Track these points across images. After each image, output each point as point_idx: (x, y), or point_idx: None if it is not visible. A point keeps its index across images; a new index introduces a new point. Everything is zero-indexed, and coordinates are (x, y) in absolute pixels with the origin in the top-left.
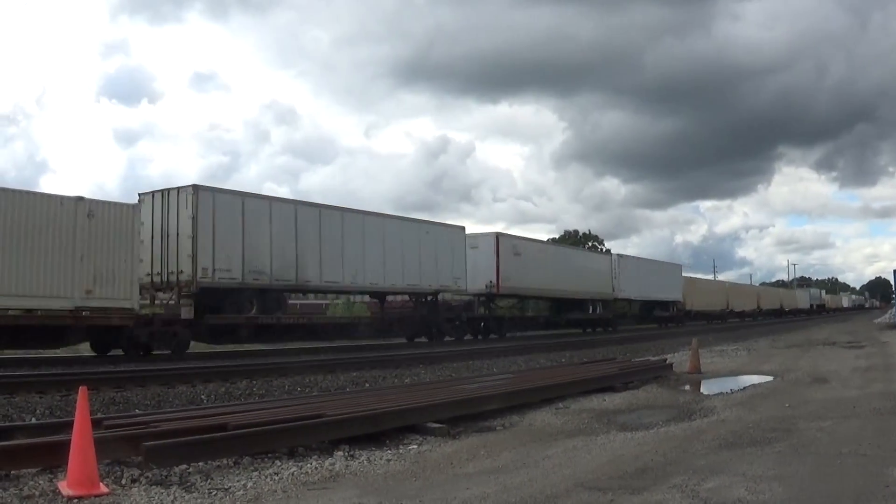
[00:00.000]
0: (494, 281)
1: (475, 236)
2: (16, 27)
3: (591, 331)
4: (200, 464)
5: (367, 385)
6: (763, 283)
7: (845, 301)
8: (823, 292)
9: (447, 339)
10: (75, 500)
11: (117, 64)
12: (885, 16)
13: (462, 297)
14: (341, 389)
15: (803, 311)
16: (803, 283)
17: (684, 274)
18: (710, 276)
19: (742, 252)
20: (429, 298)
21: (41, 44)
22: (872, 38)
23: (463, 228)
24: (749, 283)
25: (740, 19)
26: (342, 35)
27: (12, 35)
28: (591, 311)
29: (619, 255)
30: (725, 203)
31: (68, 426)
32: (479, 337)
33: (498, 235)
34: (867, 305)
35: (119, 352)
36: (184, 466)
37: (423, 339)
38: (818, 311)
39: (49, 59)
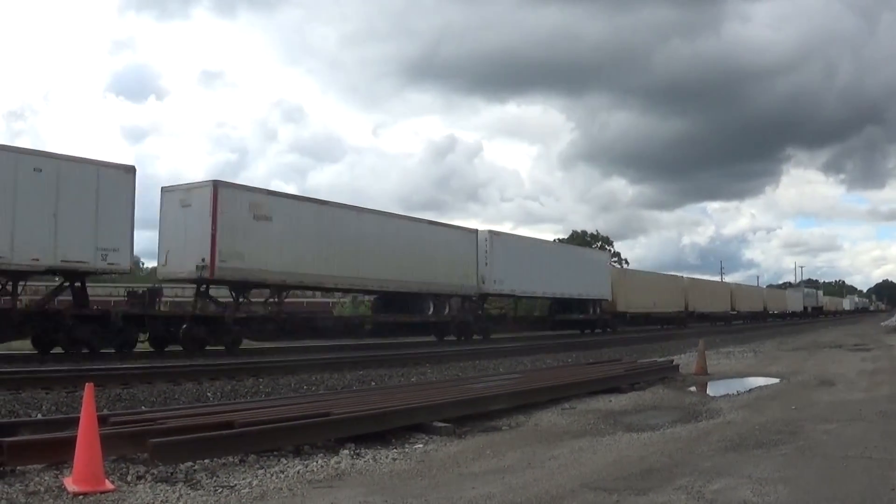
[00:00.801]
0: (208, 259)
1: (186, 189)
2: (23, 23)
3: (438, 340)
4: (206, 461)
5: (374, 383)
6: (770, 286)
7: (847, 303)
8: (821, 293)
9: None
10: (81, 497)
11: (125, 60)
12: (894, 17)
13: None
14: (348, 388)
15: (794, 314)
16: (810, 285)
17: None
18: (717, 278)
19: (749, 254)
20: None
21: (49, 40)
22: (881, 40)
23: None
24: (756, 284)
25: (749, 20)
26: (349, 33)
27: (20, 31)
28: (433, 311)
29: (492, 233)
30: (733, 204)
31: (74, 422)
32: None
33: (216, 185)
34: (872, 308)
35: None
36: (190, 464)
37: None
38: (814, 315)
39: (57, 55)
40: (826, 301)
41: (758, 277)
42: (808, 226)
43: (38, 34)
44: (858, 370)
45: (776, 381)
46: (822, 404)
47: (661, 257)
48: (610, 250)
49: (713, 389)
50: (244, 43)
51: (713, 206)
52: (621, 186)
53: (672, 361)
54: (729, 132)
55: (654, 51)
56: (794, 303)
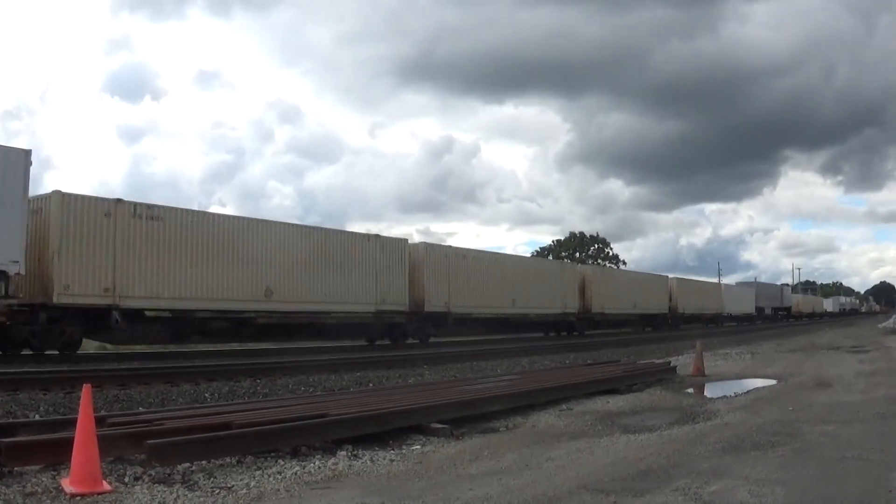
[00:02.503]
0: None
1: None
2: (19, 22)
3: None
4: (203, 462)
5: (371, 385)
6: (800, 293)
7: (829, 304)
8: (788, 289)
9: None
10: (78, 498)
11: (121, 60)
12: (892, 18)
13: None
14: (345, 389)
15: (746, 317)
16: (807, 287)
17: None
18: (715, 280)
19: (747, 255)
20: None
21: (45, 39)
22: (880, 41)
23: None
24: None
25: (748, 21)
26: (345, 33)
27: (16, 30)
28: None
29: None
30: (730, 206)
31: (72, 423)
32: None
33: None
34: (863, 310)
35: None
36: (187, 465)
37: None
38: (778, 318)
39: (53, 56)
40: (798, 300)
41: (755, 279)
42: (806, 227)
43: (34, 34)
44: (856, 372)
45: (773, 382)
46: (820, 406)
47: (658, 259)
48: (608, 251)
49: (710, 391)
50: (240, 43)
51: (711, 207)
52: (618, 188)
53: (669, 363)
54: (727, 133)
55: (651, 51)
56: (743, 303)
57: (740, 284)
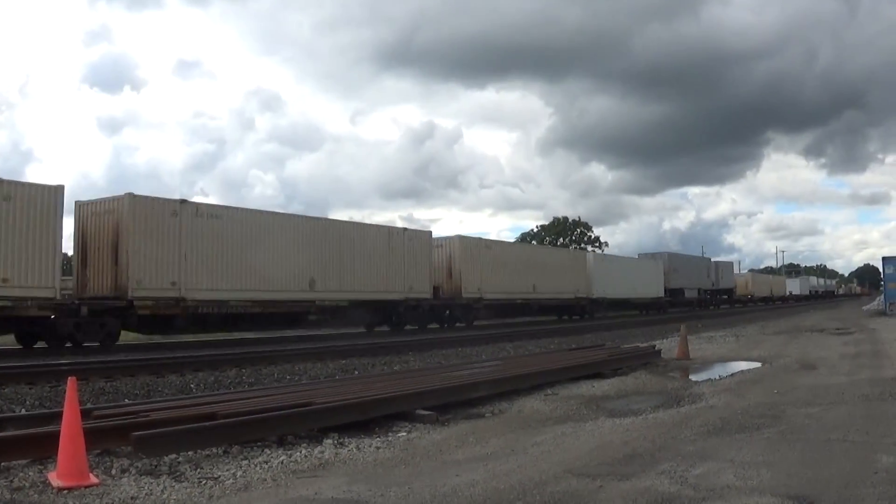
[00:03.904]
0: None
1: None
2: None
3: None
4: (190, 453)
5: (357, 372)
6: (751, 270)
7: (796, 286)
8: (728, 266)
9: None
10: (65, 491)
11: (100, 52)
12: (874, 1)
13: None
14: (330, 377)
15: (650, 304)
16: (791, 269)
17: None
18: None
19: (731, 239)
20: None
21: (23, 32)
22: (862, 24)
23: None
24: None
25: (729, 3)
26: (324, 19)
27: None
28: None
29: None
30: (713, 189)
31: (58, 417)
32: None
33: None
34: (841, 292)
35: None
36: (173, 456)
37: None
38: (712, 304)
39: (32, 48)
40: (747, 280)
41: (739, 262)
42: (789, 210)
43: (12, 27)
44: (840, 354)
45: (758, 365)
46: (805, 388)
47: (642, 243)
48: (590, 235)
49: (695, 374)
50: (219, 31)
51: (694, 191)
52: (601, 172)
53: (654, 346)
54: (709, 116)
55: (632, 35)
56: (649, 283)
57: (643, 257)
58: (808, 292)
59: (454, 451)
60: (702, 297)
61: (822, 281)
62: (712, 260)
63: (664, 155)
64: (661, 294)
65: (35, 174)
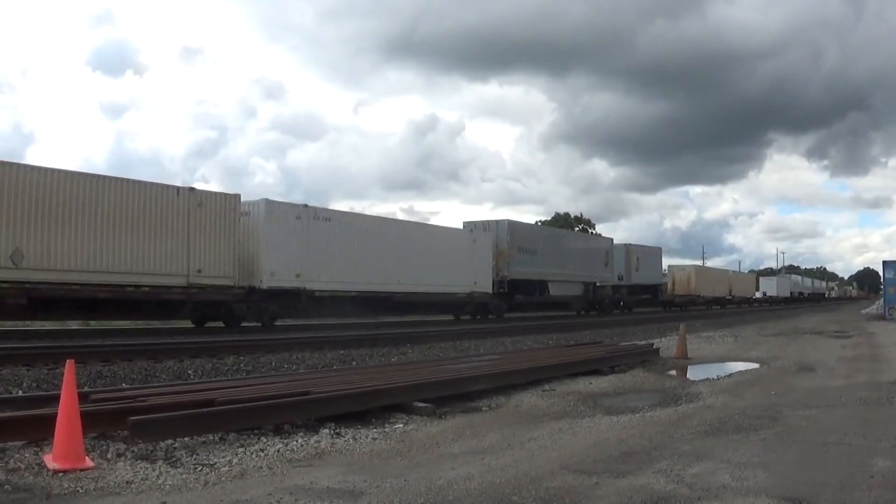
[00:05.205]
0: None
1: None
2: None
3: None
4: (186, 439)
5: (354, 363)
6: (752, 271)
7: (772, 286)
8: (654, 253)
9: None
10: (60, 474)
11: (104, 35)
12: (880, 3)
13: None
14: (328, 367)
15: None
16: (791, 271)
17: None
18: (699, 262)
19: (731, 239)
20: None
21: (27, 14)
22: (867, 26)
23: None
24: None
25: (735, 2)
26: (327, 8)
27: None
28: None
29: None
30: (715, 189)
31: (55, 399)
32: None
33: None
34: (833, 295)
35: None
36: (170, 441)
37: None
38: (639, 303)
39: (35, 30)
40: (689, 275)
41: (739, 263)
42: (791, 212)
43: (16, 9)
44: (838, 357)
45: (756, 366)
46: (802, 390)
47: (642, 240)
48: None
49: (693, 373)
50: (224, 18)
51: (695, 189)
52: (603, 168)
53: (652, 345)
54: (712, 115)
55: (637, 31)
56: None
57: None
58: (788, 294)
59: (450, 445)
60: (590, 295)
61: (809, 282)
62: (623, 244)
63: (666, 153)
64: (488, 289)
65: (36, 157)
